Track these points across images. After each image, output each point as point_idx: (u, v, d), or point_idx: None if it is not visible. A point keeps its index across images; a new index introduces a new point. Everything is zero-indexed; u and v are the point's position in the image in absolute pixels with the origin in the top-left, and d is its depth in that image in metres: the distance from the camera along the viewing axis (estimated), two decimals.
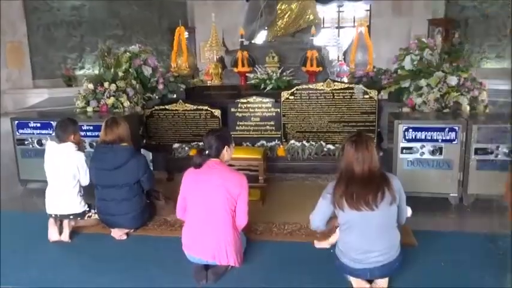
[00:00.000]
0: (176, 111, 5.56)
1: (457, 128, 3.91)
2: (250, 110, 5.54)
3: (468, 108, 4.46)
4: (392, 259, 2.59)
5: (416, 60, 4.98)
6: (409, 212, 2.83)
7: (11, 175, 5.05)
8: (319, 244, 3.11)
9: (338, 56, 8.53)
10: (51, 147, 3.55)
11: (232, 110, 5.57)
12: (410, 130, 4.00)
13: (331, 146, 4.96)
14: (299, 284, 2.76)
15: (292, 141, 5.12)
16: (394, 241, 2.62)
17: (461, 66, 4.69)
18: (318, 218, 2.80)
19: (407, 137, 4.01)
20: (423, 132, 3.98)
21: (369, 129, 5.17)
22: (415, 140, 4.00)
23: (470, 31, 13.21)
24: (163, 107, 5.60)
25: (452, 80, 4.52)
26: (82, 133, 4.51)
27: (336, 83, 5.26)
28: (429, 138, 3.97)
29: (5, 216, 3.96)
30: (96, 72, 5.76)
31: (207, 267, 2.88)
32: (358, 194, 2.52)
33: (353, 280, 2.68)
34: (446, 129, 3.93)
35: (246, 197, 2.95)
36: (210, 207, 2.87)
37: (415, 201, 3.91)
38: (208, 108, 5.49)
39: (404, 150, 4.03)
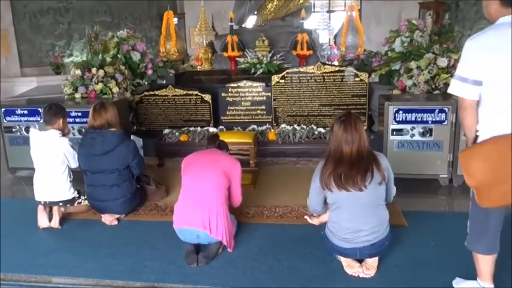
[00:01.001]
0: (166, 97, 5.52)
1: (446, 109, 3.91)
2: (241, 94, 5.51)
3: None
4: (381, 238, 2.60)
5: (407, 42, 4.96)
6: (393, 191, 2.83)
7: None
8: (310, 219, 3.07)
9: (329, 40, 8.47)
10: (35, 134, 3.51)
11: (223, 94, 5.54)
12: (401, 112, 4.00)
13: (322, 129, 4.95)
14: (290, 265, 2.77)
15: (283, 125, 5.11)
16: (383, 220, 2.63)
17: (451, 47, 4.67)
18: (313, 202, 2.80)
19: (397, 119, 4.02)
20: (413, 114, 3.98)
21: (360, 111, 5.17)
22: (406, 121, 4.01)
23: (461, 14, 13.19)
24: (152, 93, 5.56)
25: (442, 62, 4.50)
26: (71, 119, 4.49)
27: (327, 66, 5.24)
28: (419, 119, 3.98)
29: None
30: (84, 59, 5.67)
31: (197, 250, 2.88)
32: (346, 174, 2.52)
33: (343, 260, 2.69)
34: (436, 111, 3.94)
35: (239, 176, 3.09)
36: (203, 180, 2.95)
37: (405, 183, 3.95)
38: (199, 93, 5.46)
39: (394, 132, 4.04)
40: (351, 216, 2.57)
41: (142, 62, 5.90)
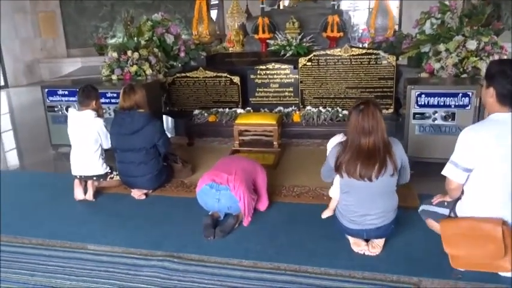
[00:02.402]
0: (197, 79, 5.71)
1: (470, 94, 3.88)
2: (269, 76, 5.61)
3: None
4: (388, 222, 2.71)
5: (437, 24, 4.87)
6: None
7: (44, 140, 5.40)
8: (325, 214, 3.23)
9: (365, 22, 8.36)
10: (72, 114, 3.81)
11: (252, 76, 5.67)
12: (423, 96, 4.00)
13: (346, 112, 5.00)
14: (300, 242, 2.92)
15: (308, 107, 5.20)
16: (391, 206, 2.73)
17: (481, 30, 4.55)
18: (325, 173, 2.96)
19: (419, 103, 4.02)
20: (436, 98, 3.97)
21: (387, 95, 5.17)
22: (428, 105, 4.01)
23: None
24: (184, 75, 5.77)
25: (472, 44, 4.42)
26: (107, 100, 4.78)
27: (354, 49, 5.24)
28: (442, 103, 3.97)
29: (39, 177, 4.32)
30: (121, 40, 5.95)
31: (215, 225, 3.09)
32: (361, 166, 2.58)
33: (350, 238, 2.82)
34: (460, 95, 3.91)
35: (264, 180, 3.40)
36: (232, 161, 3.40)
37: (424, 166, 3.99)
38: (228, 75, 5.61)
39: (416, 116, 4.04)
40: (360, 201, 2.69)
41: (175, 44, 6.10)
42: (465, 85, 4.10)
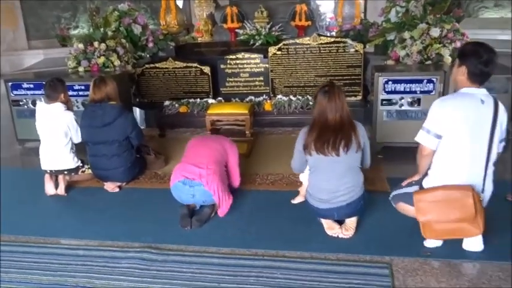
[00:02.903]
0: (166, 69, 5.66)
1: (434, 79, 4.02)
2: (239, 66, 5.63)
3: (450, 59, 4.54)
4: (356, 198, 2.81)
5: (401, 12, 5.00)
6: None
7: (10, 135, 5.24)
8: (296, 200, 3.32)
9: (332, 10, 8.46)
10: (40, 108, 3.72)
11: (222, 66, 5.66)
12: (390, 82, 4.12)
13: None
14: (277, 228, 2.99)
15: (279, 96, 5.25)
16: (358, 182, 2.84)
17: (444, 17, 4.70)
18: (297, 163, 3.03)
19: (387, 89, 4.14)
20: (402, 84, 4.09)
21: (355, 82, 5.29)
22: (395, 92, 4.13)
23: None
24: (153, 66, 5.70)
25: (435, 32, 4.57)
26: (74, 93, 4.68)
27: (322, 38, 5.31)
28: (408, 90, 4.09)
29: (6, 173, 4.20)
30: (87, 31, 5.83)
31: (192, 214, 3.12)
32: (329, 141, 2.71)
33: (324, 222, 2.91)
34: (425, 81, 4.05)
35: (236, 156, 3.40)
36: (203, 147, 3.31)
37: (393, 151, 4.13)
38: (198, 66, 5.59)
39: (384, 102, 4.16)
40: (328, 177, 2.78)
41: (143, 35, 6.01)
42: (430, 71, 4.25)
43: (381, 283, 2.36)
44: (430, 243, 2.65)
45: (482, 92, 2.52)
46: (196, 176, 3.08)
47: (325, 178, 2.79)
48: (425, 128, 2.59)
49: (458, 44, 4.60)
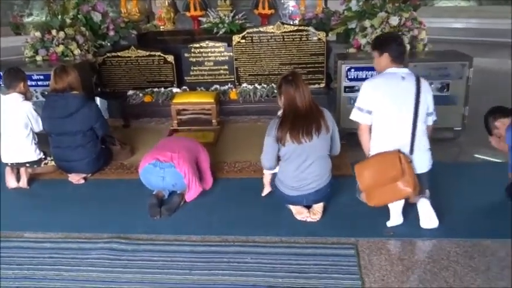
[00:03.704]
0: (129, 58, 5.55)
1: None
2: (204, 54, 5.59)
3: (408, 47, 4.70)
4: (324, 184, 2.91)
5: (362, 1, 5.10)
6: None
7: None
8: (264, 192, 3.31)
9: None
10: None
11: (186, 55, 5.61)
12: (352, 70, 4.22)
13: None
14: (245, 214, 3.04)
15: (244, 85, 5.28)
16: (326, 169, 2.94)
17: (402, 6, 4.85)
18: (268, 158, 2.97)
19: (349, 77, 4.24)
20: (364, 72, 4.20)
21: (318, 70, 5.38)
22: (357, 79, 4.23)
23: None
24: (115, 54, 5.57)
25: (394, 20, 4.70)
26: (33, 82, 4.52)
27: (286, 26, 5.36)
28: (369, 77, 4.18)
29: None
30: (44, 19, 5.60)
31: (160, 204, 3.12)
32: (303, 128, 2.79)
33: (292, 208, 2.99)
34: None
35: (207, 159, 3.43)
36: (174, 140, 3.48)
37: (356, 137, 4.23)
38: (161, 54, 5.51)
39: (346, 89, 4.27)
40: (299, 165, 2.85)
41: (103, 23, 5.84)
42: None
43: (348, 263, 2.47)
44: (392, 222, 2.78)
45: (403, 70, 2.88)
46: (167, 157, 3.10)
47: (297, 166, 2.86)
48: (357, 107, 2.91)
49: (416, 32, 4.77)
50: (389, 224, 2.79)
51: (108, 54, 5.59)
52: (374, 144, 2.90)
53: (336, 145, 3.02)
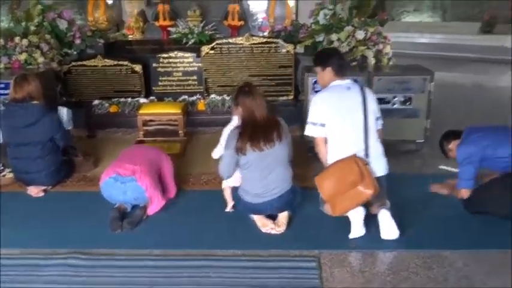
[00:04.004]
0: (95, 67, 5.47)
1: (359, 80, 4.22)
2: (172, 65, 5.57)
3: (373, 61, 4.82)
4: (287, 190, 2.96)
5: (329, 15, 5.20)
6: None
7: None
8: (228, 208, 3.29)
9: (264, 11, 8.60)
10: None
11: (154, 65, 5.57)
12: None
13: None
14: (211, 227, 3.01)
15: (212, 95, 5.27)
16: (287, 175, 3.00)
17: (368, 21, 4.97)
18: (227, 169, 3.03)
19: (316, 89, 4.28)
20: None
21: (286, 82, 5.44)
22: None
23: None
24: (81, 63, 5.49)
25: (360, 34, 4.81)
26: None
27: (255, 38, 5.40)
28: None
29: None
30: (7, 25, 5.46)
31: (122, 217, 3.05)
32: (264, 136, 2.84)
33: (257, 219, 2.98)
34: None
35: (170, 168, 3.39)
36: (137, 150, 3.41)
37: None
38: (129, 64, 5.46)
39: None
40: (262, 171, 2.88)
41: (69, 30, 5.73)
42: (355, 72, 4.47)
43: (309, 276, 2.47)
44: (354, 234, 2.81)
45: (347, 81, 3.05)
46: (128, 171, 3.03)
47: (260, 173, 2.89)
48: (310, 122, 3.02)
49: (381, 46, 4.89)
50: (351, 236, 2.81)
51: (74, 63, 5.50)
52: (331, 155, 2.98)
53: (290, 152, 3.07)
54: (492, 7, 11.76)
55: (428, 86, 4.20)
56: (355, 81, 3.18)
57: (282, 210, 2.98)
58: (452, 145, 3.21)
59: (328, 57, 3.10)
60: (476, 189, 3.05)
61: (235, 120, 3.24)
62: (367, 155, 2.92)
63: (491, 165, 3.04)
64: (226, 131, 3.55)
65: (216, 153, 3.84)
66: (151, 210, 3.12)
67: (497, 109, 6.26)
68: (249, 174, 2.93)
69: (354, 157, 2.83)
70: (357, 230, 2.81)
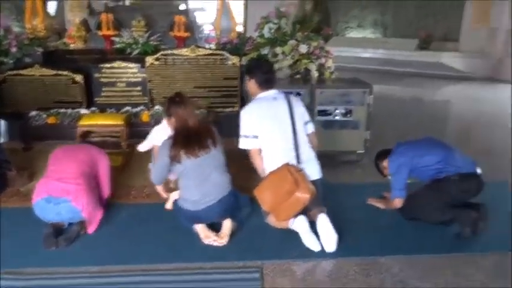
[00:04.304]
0: (33, 77, 5.23)
1: (302, 92, 4.34)
2: (116, 75, 5.44)
3: (316, 74, 4.95)
4: (226, 194, 3.00)
5: (274, 28, 5.31)
6: None
7: None
8: (168, 204, 3.34)
9: (211, 23, 8.62)
10: None
11: (96, 75, 5.41)
12: None
13: (196, 111, 5.13)
14: (153, 241, 2.94)
15: (157, 107, 5.19)
16: (225, 180, 3.05)
17: (311, 35, 5.11)
18: (160, 176, 3.13)
19: None
20: None
21: (232, 94, 5.46)
22: None
23: (335, 2, 14.19)
24: (17, 72, 5.23)
25: (303, 48, 4.94)
26: None
27: (200, 49, 5.39)
28: None
29: None
30: None
31: (58, 234, 2.91)
32: (198, 142, 2.90)
33: (200, 231, 2.94)
34: (293, 94, 4.32)
35: (107, 167, 3.26)
36: (68, 159, 3.09)
37: None
38: (69, 74, 5.27)
39: None
40: (198, 178, 2.91)
41: (5, 38, 5.46)
42: (299, 85, 4.59)
43: (251, 287, 2.47)
44: (310, 243, 2.83)
45: (272, 92, 3.17)
46: (62, 192, 2.87)
47: (198, 178, 2.92)
48: (243, 135, 3.09)
49: (323, 60, 5.05)
50: (310, 245, 2.82)
51: (10, 73, 5.23)
52: (267, 165, 3.06)
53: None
54: (428, 25, 12.49)
55: (367, 99, 4.37)
56: (293, 92, 3.40)
57: (224, 217, 2.99)
58: (385, 163, 3.34)
59: (253, 69, 3.21)
60: (408, 197, 3.19)
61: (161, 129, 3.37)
62: (299, 161, 3.01)
63: (419, 175, 3.20)
64: (156, 129, 3.63)
65: (141, 147, 3.78)
66: (91, 229, 2.99)
67: (432, 121, 6.63)
68: (186, 181, 2.95)
69: (286, 166, 2.91)
70: (310, 240, 2.83)
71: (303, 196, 2.79)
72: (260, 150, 3.10)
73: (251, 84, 3.20)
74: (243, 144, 3.11)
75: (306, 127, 3.19)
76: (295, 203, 2.81)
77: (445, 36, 12.21)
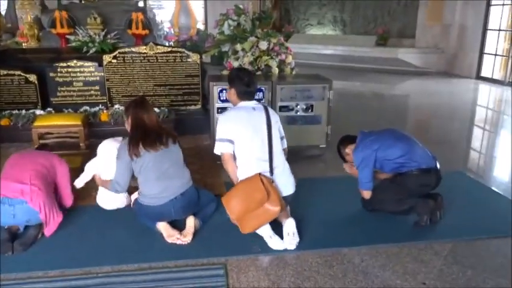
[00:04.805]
0: None
1: (263, 89, 4.36)
2: (72, 74, 5.29)
3: (277, 70, 4.99)
4: (189, 187, 3.01)
5: (233, 25, 5.31)
6: None
7: None
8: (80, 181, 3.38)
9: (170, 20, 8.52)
10: None
11: (51, 74, 5.25)
12: (224, 91, 4.31)
13: (156, 109, 5.05)
14: (114, 242, 2.88)
15: (116, 106, 5.08)
16: (186, 174, 3.07)
17: (270, 32, 5.14)
18: (124, 181, 3.01)
19: (221, 98, 4.33)
20: None
21: (194, 91, 5.42)
22: (228, 100, 4.33)
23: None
24: None
25: (263, 45, 4.97)
26: None
27: (159, 47, 5.32)
28: None
29: None
30: None
31: (13, 238, 2.80)
32: (156, 137, 2.92)
33: (163, 230, 2.91)
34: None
35: (67, 174, 3.18)
36: (24, 162, 3.00)
37: None
38: (22, 73, 5.08)
39: (219, 110, 4.34)
40: (158, 171, 2.90)
41: None
42: (260, 81, 4.58)
43: (216, 283, 2.46)
44: (275, 244, 2.83)
45: (252, 103, 3.17)
46: (17, 193, 2.76)
47: (156, 173, 2.90)
48: (218, 139, 3.07)
49: (283, 57, 5.09)
50: (275, 247, 2.82)
51: None
52: (240, 173, 3.02)
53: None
54: (385, 22, 12.82)
55: (327, 94, 4.44)
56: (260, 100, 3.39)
57: (187, 214, 2.96)
58: (349, 149, 3.39)
59: (234, 79, 3.20)
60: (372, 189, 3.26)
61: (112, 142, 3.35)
62: (272, 172, 2.99)
63: (383, 167, 3.26)
64: (92, 161, 3.42)
65: (78, 182, 3.40)
66: (48, 232, 2.88)
67: (392, 115, 6.83)
68: (145, 176, 2.92)
69: (258, 175, 2.87)
70: (274, 243, 2.83)
71: (273, 209, 2.77)
72: (234, 157, 3.06)
73: (231, 94, 3.20)
74: (217, 148, 3.07)
75: (282, 142, 3.18)
76: (263, 214, 2.78)
77: (401, 32, 12.56)
